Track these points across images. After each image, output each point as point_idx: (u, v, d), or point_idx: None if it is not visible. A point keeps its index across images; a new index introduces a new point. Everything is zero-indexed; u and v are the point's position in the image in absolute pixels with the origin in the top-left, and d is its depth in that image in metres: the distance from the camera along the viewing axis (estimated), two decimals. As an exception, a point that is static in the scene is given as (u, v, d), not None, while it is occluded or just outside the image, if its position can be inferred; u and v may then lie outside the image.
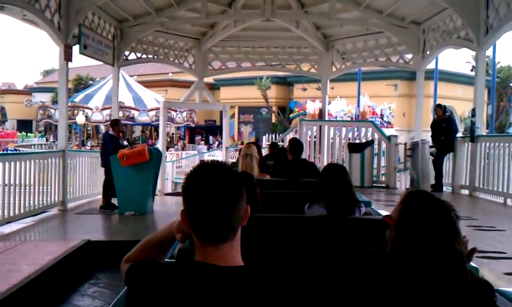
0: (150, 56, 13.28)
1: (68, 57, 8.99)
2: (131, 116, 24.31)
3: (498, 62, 29.55)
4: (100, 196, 9.21)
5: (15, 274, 4.70)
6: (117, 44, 11.73)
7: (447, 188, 10.59)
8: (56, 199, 8.79)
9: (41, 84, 45.61)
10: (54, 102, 30.16)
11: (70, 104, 21.69)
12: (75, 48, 9.45)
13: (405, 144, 10.90)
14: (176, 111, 25.17)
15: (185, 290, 1.33)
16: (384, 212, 3.57)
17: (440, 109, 10.51)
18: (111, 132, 9.53)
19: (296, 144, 5.88)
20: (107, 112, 24.12)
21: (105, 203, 8.93)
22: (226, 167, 1.45)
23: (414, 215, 1.54)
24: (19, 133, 34.81)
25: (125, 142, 9.60)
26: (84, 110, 24.48)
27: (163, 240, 1.65)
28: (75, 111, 23.57)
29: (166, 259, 1.75)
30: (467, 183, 9.92)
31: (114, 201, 8.87)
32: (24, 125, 39.81)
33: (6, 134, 34.78)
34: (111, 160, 8.47)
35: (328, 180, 3.08)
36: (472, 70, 40.87)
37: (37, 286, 4.68)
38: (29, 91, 43.92)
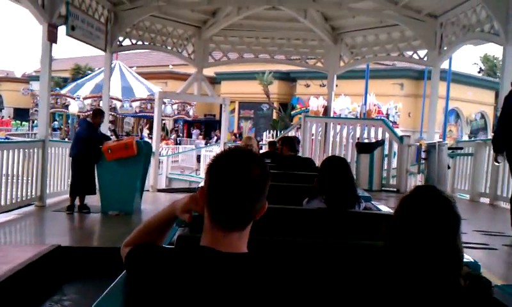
0: (146, 43, 12.38)
1: (51, 37, 8.17)
2: (113, 106, 23.09)
3: None
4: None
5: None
6: (110, 28, 10.90)
7: (459, 195, 9.78)
8: (34, 193, 7.95)
9: (40, 73, 44.97)
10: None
11: (53, 93, 21.12)
12: (62, 29, 8.64)
13: (420, 145, 10.04)
14: (165, 103, 23.93)
15: (188, 273, 1.30)
16: (385, 208, 3.47)
17: None
18: (89, 119, 8.30)
19: (291, 140, 6.15)
20: (88, 101, 23.13)
21: (73, 201, 7.76)
22: (259, 159, 1.42)
23: (408, 208, 1.50)
24: (13, 122, 34.10)
25: (112, 135, 8.50)
26: (66, 99, 23.59)
27: (164, 222, 1.61)
28: (58, 100, 22.84)
29: (166, 246, 1.69)
30: (487, 191, 9.07)
31: (92, 199, 7.96)
32: (21, 114, 39.41)
33: (1, 122, 34.11)
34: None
35: (327, 173, 2.92)
36: (479, 72, 40.20)
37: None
38: (27, 79, 43.48)
